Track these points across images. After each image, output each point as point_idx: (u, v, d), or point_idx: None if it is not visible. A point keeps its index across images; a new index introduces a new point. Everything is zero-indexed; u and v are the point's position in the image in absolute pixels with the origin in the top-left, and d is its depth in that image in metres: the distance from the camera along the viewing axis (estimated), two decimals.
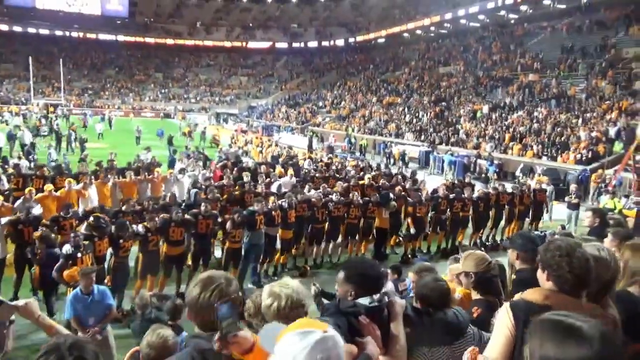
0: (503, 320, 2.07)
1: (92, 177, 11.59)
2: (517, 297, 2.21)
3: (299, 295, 2.12)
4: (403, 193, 11.62)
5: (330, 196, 10.58)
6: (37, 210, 8.95)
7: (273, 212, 9.14)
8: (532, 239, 3.39)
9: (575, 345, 1.09)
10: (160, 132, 30.95)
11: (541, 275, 2.14)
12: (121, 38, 70.60)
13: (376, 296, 2.17)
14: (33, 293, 7.86)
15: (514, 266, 3.43)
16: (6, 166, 13.68)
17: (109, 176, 11.70)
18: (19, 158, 15.21)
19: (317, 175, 13.95)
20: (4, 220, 7.88)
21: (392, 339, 2.16)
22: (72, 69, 65.32)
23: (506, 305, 2.13)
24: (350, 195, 10.69)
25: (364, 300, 2.15)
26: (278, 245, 9.71)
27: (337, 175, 14.16)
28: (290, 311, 2.06)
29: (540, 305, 2.02)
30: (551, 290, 2.08)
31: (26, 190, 9.96)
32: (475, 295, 3.37)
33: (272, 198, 9.59)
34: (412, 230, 11.03)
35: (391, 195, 10.90)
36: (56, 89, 57.49)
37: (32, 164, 13.90)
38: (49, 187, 10.47)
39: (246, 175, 12.23)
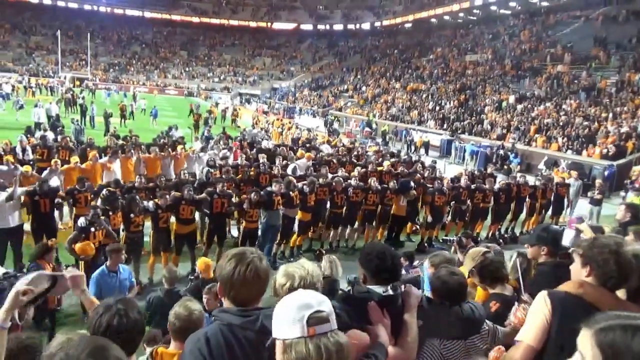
0: (540, 307, 2.10)
1: (119, 151, 11.70)
2: (559, 287, 2.23)
3: (312, 278, 2.10)
4: (422, 181, 11.50)
5: (349, 181, 10.53)
6: (54, 182, 9.12)
7: (292, 193, 9.13)
8: (556, 232, 3.33)
9: None
10: (155, 112, 29.04)
11: (580, 271, 2.16)
12: (148, 14, 71.04)
13: (391, 285, 2.14)
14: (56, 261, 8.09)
15: (536, 260, 3.37)
16: (29, 136, 13.98)
17: (132, 151, 11.87)
18: (45, 130, 15.50)
19: (333, 159, 13.86)
20: (21, 190, 7.98)
21: (404, 331, 2.12)
22: (99, 43, 66.07)
23: (544, 293, 2.14)
24: (369, 181, 10.62)
25: (378, 289, 2.13)
26: (296, 227, 9.73)
27: (355, 161, 14.04)
28: None
29: (574, 294, 2.07)
30: (588, 283, 2.11)
31: (52, 162, 10.20)
32: (489, 290, 3.34)
33: (291, 179, 9.57)
34: (429, 219, 10.95)
35: (411, 183, 10.79)
36: (83, 63, 58.30)
37: (59, 136, 14.12)
38: (74, 159, 10.69)
39: (262, 157, 12.30)
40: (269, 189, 9.07)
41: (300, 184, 9.62)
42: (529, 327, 2.12)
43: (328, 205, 10.24)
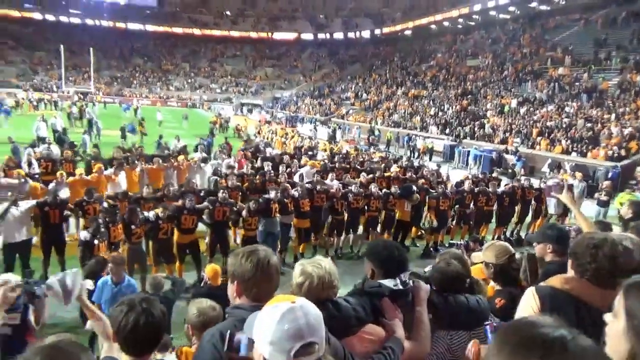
0: (529, 302, 2.09)
1: (124, 163, 11.72)
2: (545, 282, 2.21)
3: (331, 276, 2.04)
4: (425, 185, 11.50)
5: (350, 187, 10.51)
6: (63, 193, 9.17)
7: (286, 200, 9.15)
8: (564, 232, 3.33)
9: None
10: (131, 128, 26.95)
11: (569, 264, 2.17)
12: (150, 28, 71.70)
13: (401, 279, 2.17)
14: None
15: (544, 259, 3.36)
16: (35, 149, 14.08)
17: (136, 162, 11.94)
18: (49, 144, 15.60)
19: (336, 166, 13.88)
20: (31, 202, 7.97)
21: (417, 325, 2.15)
22: (102, 57, 66.60)
23: (532, 289, 2.14)
24: (370, 187, 10.57)
25: (389, 283, 2.16)
26: (292, 233, 9.67)
27: (359, 167, 14.05)
28: (322, 291, 1.99)
29: (561, 290, 2.06)
30: (573, 277, 2.09)
31: (57, 174, 10.25)
32: (496, 286, 3.34)
33: (287, 185, 9.63)
34: (435, 223, 10.92)
35: (414, 187, 10.78)
36: (86, 77, 58.75)
37: (67, 148, 14.23)
38: (79, 171, 10.74)
39: (267, 165, 12.39)
40: (266, 196, 9.08)
41: (292, 190, 9.62)
42: None
43: (329, 212, 10.19)
